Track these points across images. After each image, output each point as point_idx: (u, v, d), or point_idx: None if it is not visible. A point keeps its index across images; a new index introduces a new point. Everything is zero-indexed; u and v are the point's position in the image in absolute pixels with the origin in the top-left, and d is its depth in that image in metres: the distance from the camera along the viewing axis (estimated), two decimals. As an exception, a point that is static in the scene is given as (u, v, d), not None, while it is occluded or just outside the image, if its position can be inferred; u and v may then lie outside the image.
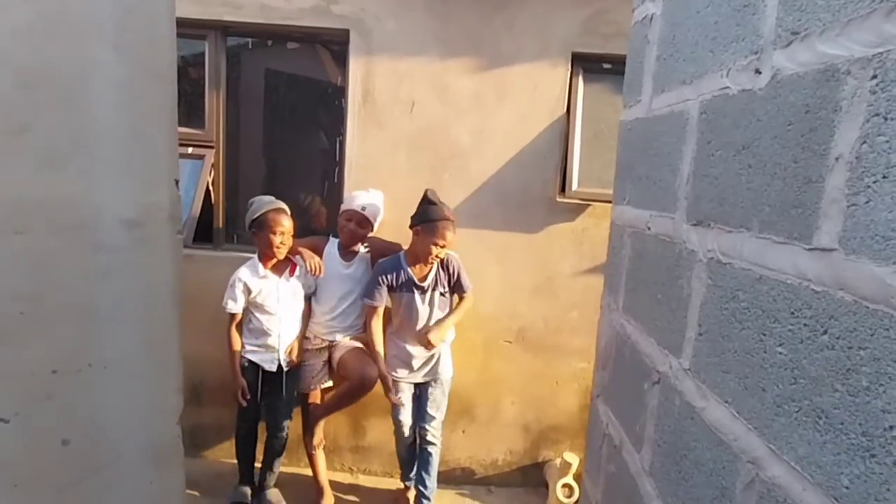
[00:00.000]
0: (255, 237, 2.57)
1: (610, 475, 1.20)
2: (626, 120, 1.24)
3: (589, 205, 2.87)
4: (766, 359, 0.64)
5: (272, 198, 2.60)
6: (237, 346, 2.62)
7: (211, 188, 3.04)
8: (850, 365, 0.52)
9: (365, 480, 3.07)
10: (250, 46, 3.23)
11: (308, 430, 2.77)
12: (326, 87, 3.24)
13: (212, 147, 3.00)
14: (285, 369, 2.66)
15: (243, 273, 2.58)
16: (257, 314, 2.61)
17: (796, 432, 0.58)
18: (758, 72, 0.69)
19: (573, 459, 2.88)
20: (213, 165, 3.01)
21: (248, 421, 2.73)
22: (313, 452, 2.77)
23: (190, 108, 2.97)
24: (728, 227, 0.74)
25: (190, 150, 2.96)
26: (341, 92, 2.99)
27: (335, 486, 2.92)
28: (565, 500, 2.90)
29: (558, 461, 2.97)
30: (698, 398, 0.80)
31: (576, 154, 2.86)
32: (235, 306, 2.57)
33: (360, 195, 2.68)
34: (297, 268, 2.66)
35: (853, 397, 0.51)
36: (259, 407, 2.71)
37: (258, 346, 2.63)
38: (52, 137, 0.75)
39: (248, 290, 2.57)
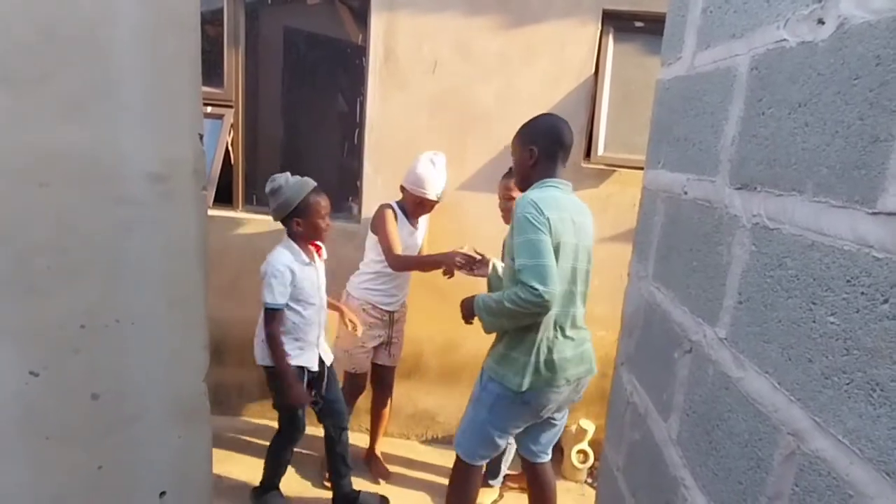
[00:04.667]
0: (297, 224, 2.26)
1: (633, 443, 1.19)
2: (663, 79, 1.18)
3: (615, 170, 2.80)
4: (815, 329, 0.61)
5: (299, 177, 2.33)
6: (284, 348, 2.28)
7: (230, 148, 3.02)
8: (913, 336, 0.49)
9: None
10: (269, 2, 3.16)
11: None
12: (346, 46, 3.17)
13: (231, 106, 2.97)
14: (328, 364, 2.48)
15: (287, 259, 2.25)
16: (299, 308, 2.31)
17: (846, 405, 0.56)
18: (821, 22, 0.64)
19: (589, 426, 2.90)
20: (231, 125, 2.99)
21: (299, 432, 2.46)
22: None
23: (208, 67, 2.93)
24: (777, 190, 0.70)
25: (209, 109, 2.93)
26: (362, 51, 2.92)
27: (353, 448, 2.98)
28: (580, 466, 2.93)
29: (574, 427, 2.99)
30: (735, 368, 0.78)
31: (603, 117, 2.77)
32: (283, 298, 2.23)
33: (435, 181, 2.53)
34: (323, 250, 2.46)
35: (915, 370, 0.48)
36: (304, 418, 2.46)
37: (300, 346, 2.35)
38: (75, 86, 0.73)
39: (293, 277, 2.26)
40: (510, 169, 2.29)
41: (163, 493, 0.88)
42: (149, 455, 0.87)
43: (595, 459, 2.91)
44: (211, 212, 2.90)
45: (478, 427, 1.98)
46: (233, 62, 2.91)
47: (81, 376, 0.79)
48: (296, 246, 2.30)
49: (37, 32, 0.69)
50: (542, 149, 1.89)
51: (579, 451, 2.92)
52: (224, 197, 3.05)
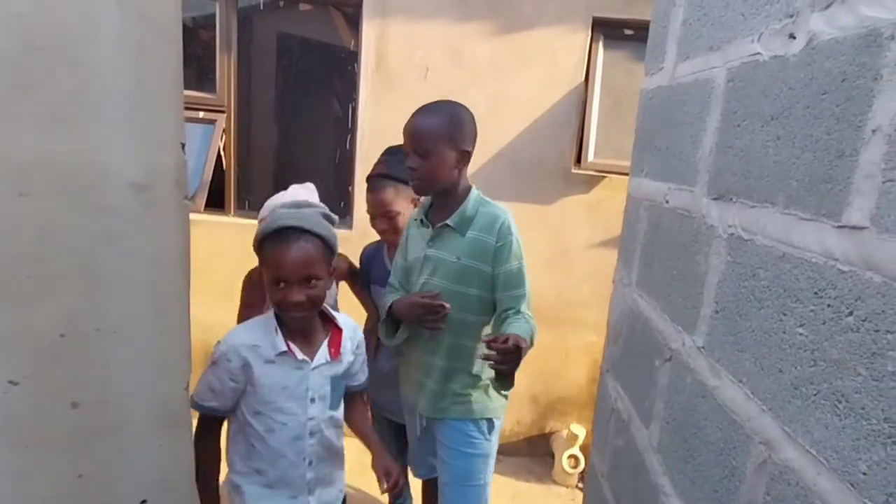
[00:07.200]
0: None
1: (617, 449, 1.20)
2: (647, 88, 1.19)
3: (605, 177, 2.81)
4: (785, 339, 0.62)
5: (289, 199, 1.56)
6: (238, 481, 1.37)
7: (222, 153, 3.02)
8: (875, 349, 0.49)
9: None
10: (262, 8, 3.16)
11: None
12: (339, 52, 3.18)
13: (223, 112, 2.98)
14: None
15: (240, 339, 1.33)
16: (257, 424, 1.33)
17: (813, 415, 0.57)
18: (792, 36, 0.65)
19: (580, 431, 2.91)
20: (224, 130, 2.99)
21: None
22: None
23: (201, 72, 2.94)
24: (751, 201, 0.71)
25: (201, 114, 2.94)
26: (354, 57, 2.94)
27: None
28: (570, 471, 2.93)
29: (565, 432, 3.00)
30: (711, 377, 0.78)
31: (593, 124, 2.79)
32: (215, 400, 1.33)
33: (284, 197, 1.81)
34: (345, 336, 1.43)
35: (877, 382, 0.49)
36: None
37: (267, 483, 1.37)
38: (56, 97, 0.73)
39: (247, 372, 1.31)
40: (385, 162, 1.92)
41: (143, 502, 0.88)
42: (130, 463, 0.86)
43: (586, 464, 2.91)
44: (203, 217, 2.89)
45: (484, 491, 1.71)
46: (225, 67, 2.92)
47: (62, 385, 0.79)
48: (273, 324, 1.35)
49: (17, 44, 0.69)
50: (470, 153, 1.65)
51: (570, 456, 2.92)
52: (216, 202, 3.05)
